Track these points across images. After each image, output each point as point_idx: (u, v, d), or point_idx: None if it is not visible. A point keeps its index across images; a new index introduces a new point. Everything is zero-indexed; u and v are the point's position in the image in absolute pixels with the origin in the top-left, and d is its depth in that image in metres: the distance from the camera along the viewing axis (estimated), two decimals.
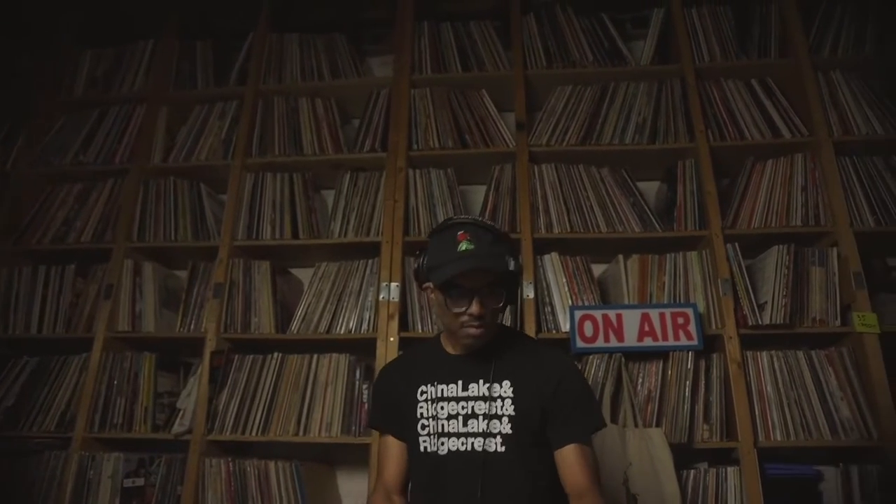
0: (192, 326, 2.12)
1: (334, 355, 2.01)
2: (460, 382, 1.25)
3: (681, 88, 2.20)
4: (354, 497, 2.12)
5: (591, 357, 1.86)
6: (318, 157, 2.26)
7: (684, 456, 1.77)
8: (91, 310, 2.17)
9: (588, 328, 1.87)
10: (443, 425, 1.23)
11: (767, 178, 2.04)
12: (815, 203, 1.99)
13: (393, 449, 1.31)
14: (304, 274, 2.34)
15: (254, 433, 1.93)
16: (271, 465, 1.89)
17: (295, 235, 2.16)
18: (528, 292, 1.97)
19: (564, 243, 2.07)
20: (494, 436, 1.19)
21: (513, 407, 1.20)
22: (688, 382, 1.82)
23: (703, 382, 1.84)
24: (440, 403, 1.24)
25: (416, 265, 1.28)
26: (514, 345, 1.30)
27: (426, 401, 1.26)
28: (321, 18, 2.56)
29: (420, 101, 2.30)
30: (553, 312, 2.00)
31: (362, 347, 2.02)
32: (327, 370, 1.99)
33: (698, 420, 1.81)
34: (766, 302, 1.87)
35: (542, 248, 2.06)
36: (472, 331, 1.19)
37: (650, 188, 2.27)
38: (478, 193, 2.32)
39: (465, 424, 1.21)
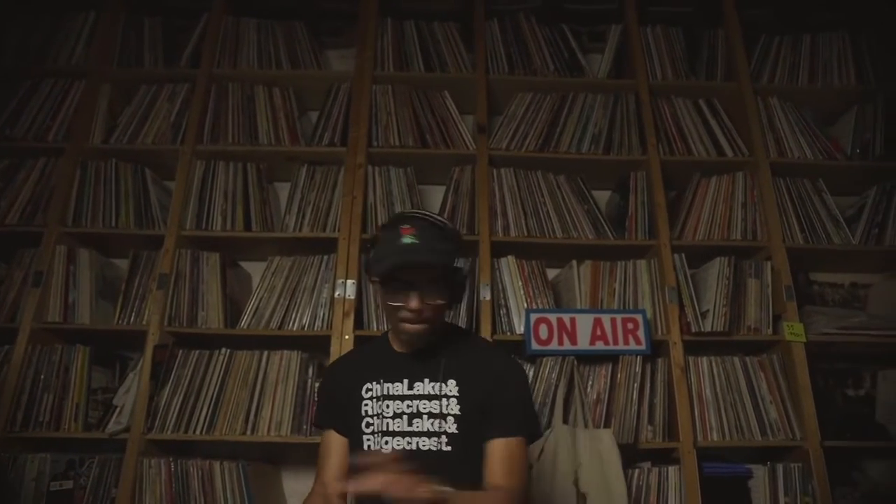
0: (132, 318, 2.00)
1: (286, 352, 1.95)
2: (406, 381, 1.23)
3: (635, 103, 2.29)
4: (299, 497, 2.01)
5: (545, 359, 1.91)
6: (274, 148, 2.19)
7: (629, 456, 1.84)
8: (16, 298, 2.01)
9: (543, 331, 1.92)
10: (387, 424, 1.21)
11: (712, 193, 2.16)
12: (753, 219, 2.12)
13: (335, 446, 1.30)
14: (253, 268, 2.26)
15: (198, 432, 1.85)
16: (216, 465, 1.82)
17: (247, 227, 2.09)
18: (485, 294, 1.99)
19: (521, 247, 2.10)
20: (440, 435, 1.18)
21: (458, 406, 1.19)
22: (636, 385, 1.90)
23: (648, 386, 1.93)
24: (386, 402, 1.23)
25: (365, 258, 1.26)
26: (463, 344, 1.29)
27: (371, 398, 1.24)
28: (280, 5, 2.47)
29: (381, 98, 2.27)
30: (508, 314, 2.03)
31: (315, 345, 1.98)
32: (278, 367, 1.93)
33: (643, 421, 1.89)
34: (707, 310, 1.98)
35: (499, 250, 2.09)
36: (410, 326, 1.17)
37: (602, 197, 2.35)
38: (436, 193, 2.32)
39: (410, 423, 1.20)
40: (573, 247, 2.11)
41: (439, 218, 1.22)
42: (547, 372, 1.89)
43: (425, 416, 1.20)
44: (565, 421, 1.84)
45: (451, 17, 2.47)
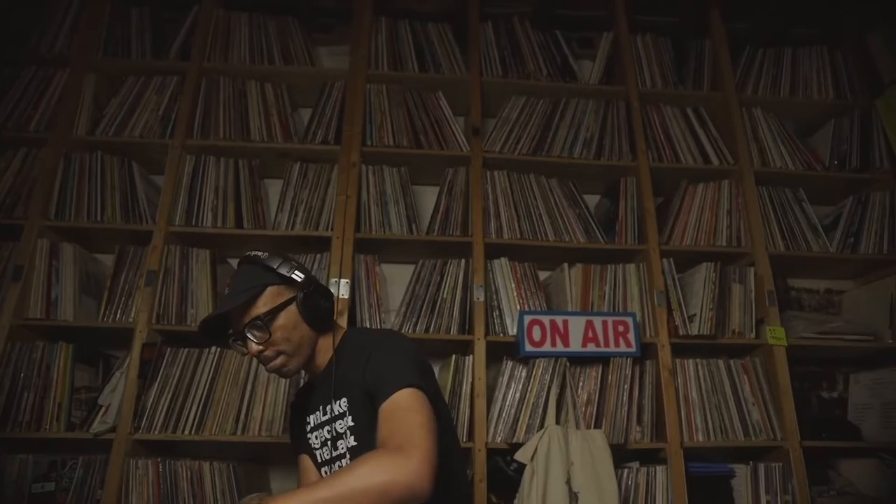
0: (117, 316, 1.95)
1: None
2: (321, 408, 1.24)
3: (625, 109, 2.33)
4: None
5: (538, 360, 1.93)
6: (267, 145, 2.16)
7: (619, 456, 1.87)
8: None
9: (536, 333, 1.94)
10: (319, 454, 1.24)
11: (698, 200, 2.22)
12: (738, 226, 2.19)
13: (312, 471, 1.31)
14: None
15: (187, 432, 1.81)
16: (206, 465, 1.79)
17: (239, 225, 2.06)
18: (479, 295, 2.01)
19: (514, 249, 2.12)
20: (345, 455, 1.17)
21: (350, 417, 1.16)
22: (626, 387, 1.94)
23: (637, 387, 1.97)
24: (314, 432, 1.26)
25: None
26: (349, 348, 1.23)
27: (309, 431, 1.28)
28: None
29: (376, 97, 2.27)
30: (501, 316, 2.05)
31: None
32: None
33: (632, 422, 1.93)
34: (695, 314, 2.04)
35: (491, 252, 2.10)
36: (270, 365, 1.20)
37: (593, 201, 2.39)
38: (429, 194, 2.32)
39: (335, 448, 1.20)
40: (565, 250, 2.14)
41: (255, 253, 1.23)
42: (540, 373, 1.91)
43: (345, 436, 1.18)
44: (557, 421, 1.87)
45: (444, 18, 2.48)
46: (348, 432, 1.16)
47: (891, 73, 2.32)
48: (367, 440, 1.12)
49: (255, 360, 1.86)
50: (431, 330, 2.01)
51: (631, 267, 2.14)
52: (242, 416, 1.85)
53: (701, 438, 1.94)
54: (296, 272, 1.21)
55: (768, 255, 2.13)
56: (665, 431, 1.91)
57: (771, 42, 2.52)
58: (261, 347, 1.16)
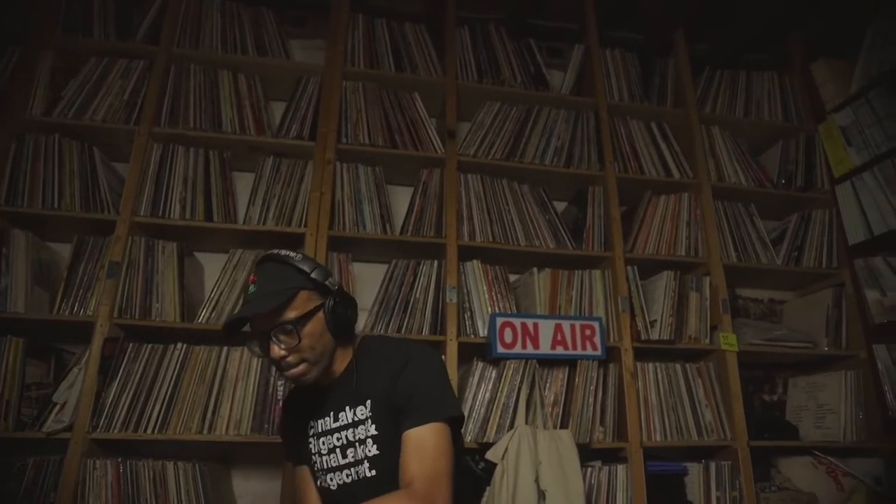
0: (75, 308, 1.85)
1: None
2: (332, 414, 1.22)
3: (594, 121, 2.41)
4: (250, 498, 2.02)
5: (508, 362, 1.97)
6: (239, 137, 2.10)
7: (582, 455, 1.94)
8: None
9: (508, 335, 1.98)
10: (326, 461, 1.22)
11: (660, 211, 2.33)
12: (696, 237, 2.31)
13: (310, 481, 1.29)
14: (208, 259, 2.18)
15: (150, 430, 1.75)
16: (170, 465, 1.73)
17: (208, 217, 1.99)
18: (451, 297, 2.03)
19: (486, 252, 2.16)
20: (363, 461, 1.16)
21: (374, 426, 1.15)
22: (592, 388, 2.01)
23: (601, 389, 2.05)
24: (321, 439, 1.24)
25: None
26: (371, 356, 1.23)
27: (313, 436, 1.26)
28: None
29: (352, 95, 2.25)
30: (472, 318, 2.08)
31: None
32: (238, 364, 1.87)
33: (596, 422, 2.01)
34: (655, 320, 2.14)
35: (464, 254, 2.13)
36: (290, 372, 1.15)
37: (560, 207, 2.45)
38: (403, 194, 2.33)
39: (344, 456, 1.19)
40: (535, 254, 2.20)
41: (285, 253, 1.18)
42: (511, 374, 1.96)
43: (357, 444, 1.17)
44: (526, 421, 1.92)
45: (421, 19, 2.49)
46: (370, 441, 1.14)
47: (832, 101, 2.50)
48: (389, 451, 1.12)
49: (223, 357, 1.85)
50: (403, 330, 2.02)
51: (597, 273, 2.22)
52: (209, 415, 1.80)
53: (658, 438, 2.04)
54: (329, 279, 1.19)
55: (723, 266, 2.26)
56: (626, 432, 1.99)
57: (728, 64, 2.67)
58: (284, 353, 1.12)
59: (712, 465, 2.05)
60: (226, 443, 1.80)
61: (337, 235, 2.04)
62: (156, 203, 1.97)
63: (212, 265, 2.15)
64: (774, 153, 2.57)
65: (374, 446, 1.15)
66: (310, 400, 1.28)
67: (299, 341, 1.12)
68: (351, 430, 1.18)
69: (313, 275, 1.16)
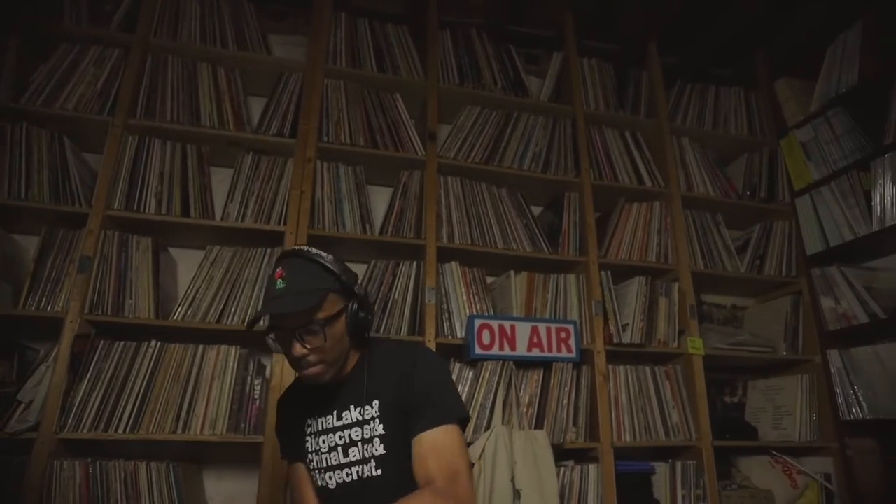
0: (42, 304, 1.79)
1: (223, 347, 1.86)
2: (335, 412, 1.22)
3: (572, 128, 2.47)
4: (221, 499, 1.98)
5: (486, 363, 2.00)
6: (218, 132, 2.06)
7: (556, 455, 1.99)
8: None
9: (486, 336, 2.01)
10: (325, 459, 1.22)
11: (633, 218, 2.40)
12: (666, 244, 2.39)
13: (306, 478, 1.29)
14: (183, 255, 2.14)
15: (121, 430, 1.70)
16: (142, 466, 1.69)
17: (185, 213, 1.95)
18: (430, 298, 2.05)
19: (464, 254, 2.18)
20: (369, 461, 1.16)
21: (381, 426, 1.16)
22: (566, 390, 2.06)
23: (574, 390, 2.10)
24: (321, 437, 1.23)
25: None
26: (380, 358, 1.24)
27: (311, 434, 1.26)
28: None
29: (333, 93, 2.24)
30: (450, 319, 2.10)
31: (255, 341, 1.91)
32: (214, 362, 1.84)
33: (569, 423, 2.06)
34: (627, 324, 2.20)
35: (442, 256, 2.15)
36: (308, 371, 1.15)
37: (536, 212, 2.50)
38: (381, 194, 2.33)
39: (346, 454, 1.19)
40: (512, 257, 2.23)
41: (316, 252, 1.17)
42: (488, 375, 1.99)
43: (359, 444, 1.17)
44: (502, 422, 1.95)
45: (403, 21, 2.49)
46: (377, 441, 1.15)
47: (793, 118, 2.62)
48: (396, 451, 1.14)
49: (199, 356, 1.82)
50: (382, 330, 2.02)
51: (571, 277, 2.27)
52: (184, 414, 1.76)
53: (628, 439, 2.10)
54: (356, 285, 1.19)
55: (691, 273, 2.34)
56: (598, 432, 2.05)
57: (698, 78, 2.77)
58: (307, 352, 1.12)
59: (678, 465, 2.12)
60: (200, 442, 1.77)
61: (316, 234, 2.03)
62: (130, 197, 1.92)
63: (186, 261, 2.11)
64: (740, 165, 2.68)
65: (382, 446, 1.15)
66: (310, 398, 1.27)
67: (325, 342, 1.12)
68: (356, 429, 1.19)
69: (343, 277, 1.16)
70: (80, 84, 2.01)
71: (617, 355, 2.21)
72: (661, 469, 2.13)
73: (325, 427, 1.23)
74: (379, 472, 1.15)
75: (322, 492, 1.23)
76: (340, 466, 1.19)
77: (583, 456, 2.08)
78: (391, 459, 1.15)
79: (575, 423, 2.07)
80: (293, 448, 1.30)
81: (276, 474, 1.74)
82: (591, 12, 2.63)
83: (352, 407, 1.20)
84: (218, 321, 1.88)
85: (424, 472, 1.08)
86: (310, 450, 1.25)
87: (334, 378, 1.21)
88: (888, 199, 2.14)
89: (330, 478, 1.21)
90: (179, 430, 1.75)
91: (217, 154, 2.12)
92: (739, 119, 2.74)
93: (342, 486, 1.19)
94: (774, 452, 2.31)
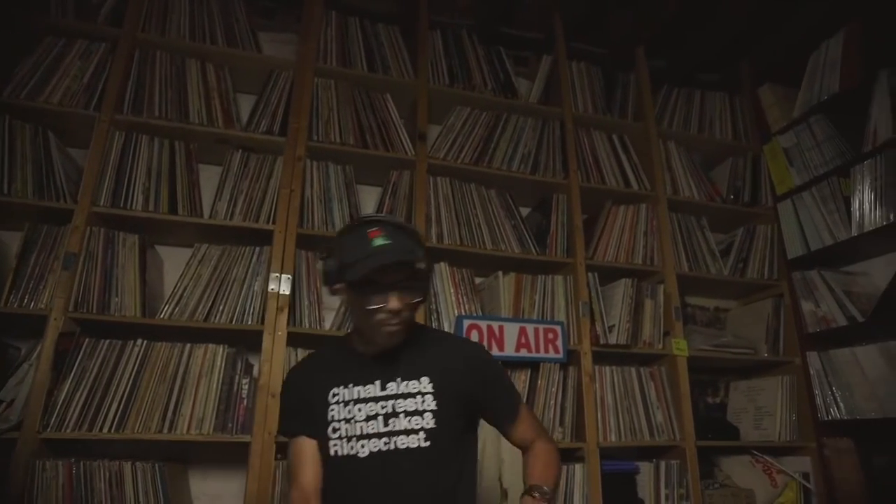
0: (24, 301, 1.75)
1: (211, 346, 1.84)
2: (378, 382, 1.24)
3: (560, 130, 2.49)
4: (208, 499, 1.97)
5: None
6: (207, 129, 2.05)
7: None
8: None
9: (474, 337, 2.02)
10: (360, 427, 1.21)
11: (620, 220, 2.43)
12: (652, 246, 2.42)
13: (308, 452, 1.27)
14: (170, 253, 2.12)
15: (106, 430, 1.68)
16: (127, 466, 1.67)
17: (173, 210, 1.94)
18: None
19: (453, 255, 2.19)
20: (418, 431, 1.20)
21: (434, 402, 1.22)
22: (553, 390, 2.08)
23: (561, 391, 2.12)
24: (357, 405, 1.23)
25: (324, 267, 1.22)
26: (424, 339, 1.31)
27: (338, 403, 1.25)
28: None
29: (324, 92, 2.23)
30: (439, 319, 2.11)
31: (243, 339, 1.91)
32: (202, 361, 1.82)
33: (556, 423, 2.07)
34: (613, 325, 2.23)
35: (432, 256, 2.15)
36: (391, 328, 1.18)
37: (523, 213, 2.51)
38: (370, 194, 2.33)
39: (386, 424, 1.21)
40: (500, 258, 2.24)
41: (399, 220, 1.26)
42: None
43: (402, 415, 1.21)
44: None
45: (394, 20, 2.49)
46: (429, 415, 1.21)
47: (776, 124, 2.67)
48: (445, 427, 1.21)
49: (186, 354, 1.81)
50: None
51: (559, 278, 2.29)
52: (170, 414, 1.75)
53: (613, 439, 2.13)
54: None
55: (676, 275, 2.38)
56: (584, 432, 2.07)
57: (684, 83, 2.81)
58: (401, 307, 1.16)
59: (662, 465, 2.16)
60: (186, 442, 1.75)
61: (306, 234, 2.03)
62: (117, 193, 1.89)
63: (173, 259, 2.09)
64: (724, 169, 2.72)
65: (433, 420, 1.20)
66: (339, 367, 1.28)
67: (421, 300, 1.22)
68: (400, 400, 1.22)
69: (424, 248, 1.23)
70: (66, 78, 1.98)
71: (603, 356, 2.24)
72: (645, 469, 2.17)
73: (363, 396, 1.23)
74: (428, 443, 1.19)
75: (344, 461, 1.21)
76: (379, 435, 1.20)
77: (569, 456, 2.10)
78: (441, 434, 1.20)
79: (561, 424, 2.09)
80: (303, 420, 1.28)
81: (264, 473, 1.74)
82: (580, 15, 2.65)
83: (399, 378, 1.23)
84: (206, 320, 1.86)
85: (530, 436, 1.32)
86: (336, 418, 1.23)
87: (376, 347, 1.24)
88: (867, 205, 2.19)
89: (363, 446, 1.20)
90: (166, 430, 1.73)
91: (205, 151, 2.10)
92: (724, 124, 2.78)
93: (377, 454, 1.19)
94: (755, 452, 2.36)
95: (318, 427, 1.25)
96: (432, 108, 2.38)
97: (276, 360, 1.84)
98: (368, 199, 2.31)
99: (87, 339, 1.74)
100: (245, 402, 1.83)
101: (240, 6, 2.28)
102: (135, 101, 2.01)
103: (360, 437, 1.21)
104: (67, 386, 1.69)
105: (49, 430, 1.64)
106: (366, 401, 1.23)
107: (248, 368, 1.89)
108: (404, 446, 1.20)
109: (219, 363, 1.83)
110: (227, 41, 2.20)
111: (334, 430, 1.23)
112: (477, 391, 1.28)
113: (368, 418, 1.22)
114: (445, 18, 2.60)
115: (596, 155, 2.52)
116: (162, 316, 1.83)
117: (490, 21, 2.66)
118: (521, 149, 2.41)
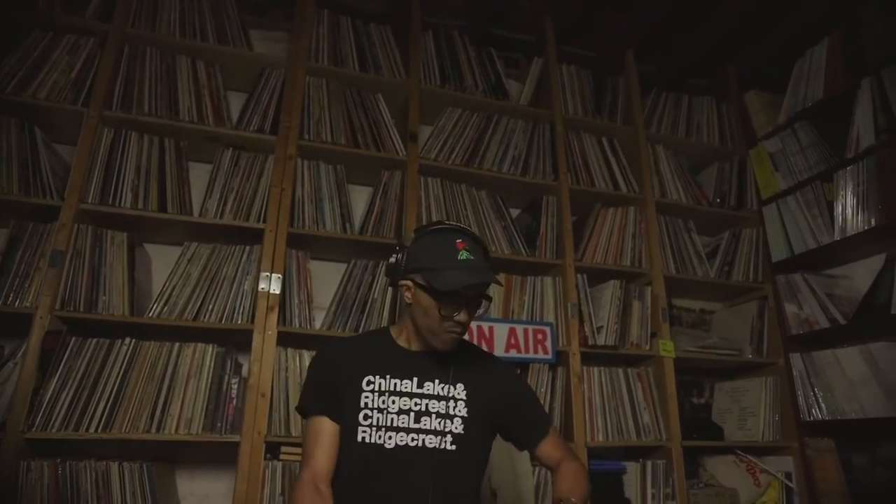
0: (10, 299, 1.73)
1: (200, 345, 1.83)
2: (415, 379, 1.28)
3: (550, 132, 2.51)
4: (195, 499, 1.96)
5: None
6: (197, 126, 2.03)
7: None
8: None
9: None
10: (392, 419, 1.24)
11: (609, 222, 2.45)
12: (640, 249, 2.45)
13: (326, 433, 1.27)
14: (158, 251, 2.11)
15: (93, 429, 1.66)
16: (114, 466, 1.65)
17: (162, 208, 1.92)
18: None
19: None
20: (446, 434, 1.25)
21: (466, 409, 1.28)
22: (542, 391, 2.10)
23: (550, 392, 2.14)
24: (392, 397, 1.26)
25: (392, 260, 1.30)
26: (466, 349, 1.39)
27: (373, 391, 1.27)
28: None
29: (315, 91, 2.23)
30: None
31: (232, 339, 1.90)
32: (191, 361, 1.81)
33: None
34: (602, 326, 2.25)
35: None
36: (453, 335, 1.25)
37: (513, 214, 2.53)
38: (360, 194, 2.33)
39: (417, 421, 1.25)
40: (490, 259, 2.24)
41: (474, 232, 1.32)
42: None
43: (433, 416, 1.26)
44: None
45: (386, 20, 2.49)
46: (458, 420, 1.27)
47: (762, 129, 2.72)
48: (473, 434, 1.28)
49: (174, 354, 1.80)
50: (361, 329, 2.02)
51: (548, 279, 2.31)
52: (158, 413, 1.73)
53: (601, 439, 2.15)
54: None
55: (663, 277, 2.41)
56: (572, 432, 2.09)
57: (673, 87, 2.84)
58: (469, 319, 1.25)
59: (648, 464, 2.18)
60: (174, 442, 1.74)
61: (296, 233, 2.02)
62: (105, 191, 1.87)
63: (162, 257, 2.08)
64: (711, 173, 2.76)
65: (462, 427, 1.26)
66: (378, 358, 1.31)
67: (481, 313, 1.29)
68: (433, 401, 1.27)
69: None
70: (54, 72, 1.95)
71: (591, 357, 2.26)
72: (632, 468, 2.19)
73: (399, 389, 1.27)
74: (454, 447, 1.24)
75: (367, 448, 1.22)
76: (407, 430, 1.24)
77: None
78: (468, 440, 1.26)
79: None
80: (329, 401, 1.27)
81: (253, 473, 1.73)
82: (571, 18, 2.67)
83: (436, 380, 1.29)
84: (195, 319, 1.85)
85: (558, 454, 1.34)
86: (369, 405, 1.25)
87: (421, 346, 1.32)
88: (849, 210, 2.24)
89: (390, 437, 1.23)
90: (154, 430, 1.71)
91: (196, 149, 2.09)
92: (711, 128, 2.82)
93: (403, 448, 1.22)
94: (739, 452, 2.39)
95: (345, 411, 1.26)
96: (424, 109, 2.38)
97: (265, 360, 1.84)
98: (359, 199, 2.30)
99: (73, 338, 1.72)
100: (234, 401, 1.82)
101: (231, 3, 2.27)
102: (124, 98, 1.99)
103: (389, 428, 1.24)
104: (53, 385, 1.66)
105: (34, 430, 1.62)
106: (401, 394, 1.27)
107: (238, 368, 1.88)
108: (431, 445, 1.24)
109: (208, 362, 1.82)
110: (217, 38, 2.19)
111: (366, 418, 1.25)
112: (508, 407, 1.34)
113: (401, 412, 1.25)
114: (437, 18, 2.61)
115: (585, 157, 2.54)
116: (150, 315, 1.82)
117: (482, 22, 2.67)
118: (512, 150, 2.42)
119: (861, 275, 2.35)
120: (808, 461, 2.29)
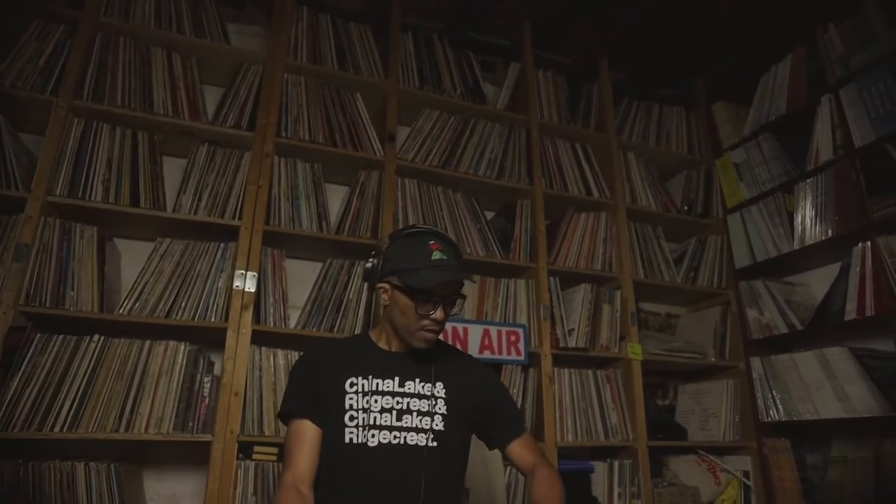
0: None
1: (172, 343, 1.80)
2: (397, 379, 1.31)
3: (526, 137, 2.54)
4: (163, 500, 1.92)
5: None
6: (172, 120, 1.99)
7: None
8: None
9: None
10: (374, 418, 1.26)
11: (581, 227, 2.50)
12: (611, 253, 2.51)
13: (309, 436, 1.28)
14: (129, 247, 2.06)
15: (58, 429, 1.61)
16: (80, 467, 1.61)
17: (135, 203, 1.87)
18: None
19: None
20: (426, 432, 1.27)
21: (445, 407, 1.31)
22: (515, 392, 2.13)
23: (522, 392, 2.17)
24: (374, 397, 1.28)
25: (369, 265, 1.34)
26: (444, 349, 1.43)
27: (356, 392, 1.28)
28: None
29: (294, 89, 2.21)
30: None
31: (204, 337, 1.87)
32: (162, 359, 1.77)
33: None
34: (573, 328, 2.30)
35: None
36: (430, 334, 1.29)
37: (489, 217, 2.56)
38: (336, 193, 2.32)
39: (399, 419, 1.27)
40: (465, 261, 2.26)
41: (447, 235, 1.36)
42: None
43: (415, 413, 1.28)
44: None
45: (366, 19, 2.49)
46: (438, 418, 1.29)
47: (728, 140, 2.82)
48: (453, 431, 1.30)
49: (145, 352, 1.77)
50: (336, 329, 2.02)
51: (521, 282, 2.35)
52: (127, 413, 1.69)
53: (571, 439, 2.20)
54: None
55: (632, 281, 2.47)
56: (543, 432, 2.13)
57: (644, 96, 2.92)
58: (445, 317, 1.28)
59: (616, 464, 2.24)
60: (142, 442, 1.70)
61: (272, 231, 2.00)
62: (74, 183, 1.82)
63: (132, 253, 2.03)
64: (679, 181, 2.84)
65: (442, 424, 1.29)
66: (359, 359, 1.33)
67: (458, 313, 1.33)
68: (415, 399, 1.29)
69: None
70: (20, 59, 1.88)
71: (562, 359, 2.30)
72: (600, 468, 2.24)
73: (381, 388, 1.29)
74: (435, 444, 1.27)
75: (352, 448, 1.23)
76: (390, 428, 1.26)
77: None
78: (448, 437, 1.29)
79: None
80: (312, 404, 1.28)
81: (226, 473, 1.71)
82: (548, 25, 2.71)
83: (416, 379, 1.31)
84: (167, 316, 1.82)
85: (532, 459, 1.37)
86: (354, 406, 1.26)
87: (401, 346, 1.35)
88: (808, 221, 2.34)
89: (373, 436, 1.24)
90: (122, 429, 1.68)
91: (170, 143, 2.05)
92: (680, 137, 2.91)
93: (386, 446, 1.24)
94: (701, 452, 2.48)
95: (329, 414, 1.27)
96: (402, 110, 2.38)
97: (239, 359, 1.82)
98: (336, 199, 2.29)
99: (38, 335, 1.67)
100: (207, 400, 1.79)
101: None
102: (95, 88, 1.94)
103: (373, 426, 1.26)
104: (16, 383, 1.61)
105: None
106: (383, 394, 1.29)
107: (210, 367, 1.86)
108: (413, 443, 1.26)
109: (180, 361, 1.79)
110: (194, 30, 2.15)
111: (351, 419, 1.26)
112: (485, 405, 1.38)
113: (383, 410, 1.27)
114: (415, 19, 2.61)
115: (560, 163, 2.58)
116: (121, 311, 1.78)
117: (459, 25, 2.69)
118: (488, 154, 2.45)
119: (818, 282, 2.46)
120: (766, 460, 2.39)
